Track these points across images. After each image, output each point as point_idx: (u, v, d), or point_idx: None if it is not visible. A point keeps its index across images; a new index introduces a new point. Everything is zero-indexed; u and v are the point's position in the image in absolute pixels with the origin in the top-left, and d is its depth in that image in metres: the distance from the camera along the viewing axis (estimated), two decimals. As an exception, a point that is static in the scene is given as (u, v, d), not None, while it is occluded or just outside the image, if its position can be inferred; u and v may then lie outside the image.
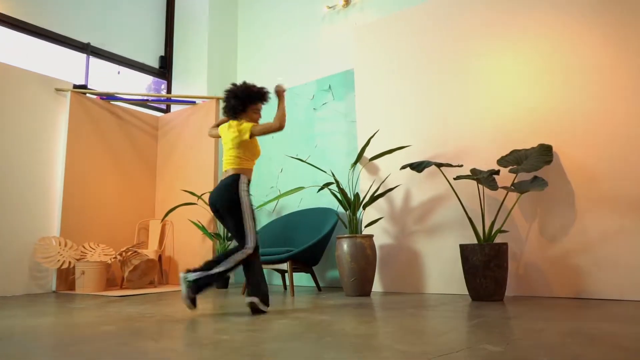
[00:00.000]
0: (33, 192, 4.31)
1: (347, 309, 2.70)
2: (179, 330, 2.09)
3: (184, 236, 4.98)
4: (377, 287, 3.75)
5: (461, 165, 3.17)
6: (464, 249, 3.00)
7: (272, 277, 4.83)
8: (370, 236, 3.50)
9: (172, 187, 5.21)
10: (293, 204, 4.75)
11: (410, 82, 3.81)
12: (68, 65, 4.95)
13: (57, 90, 4.58)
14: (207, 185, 4.85)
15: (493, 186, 3.07)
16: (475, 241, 3.29)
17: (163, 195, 5.28)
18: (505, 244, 2.94)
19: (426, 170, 3.61)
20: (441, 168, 3.28)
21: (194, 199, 4.83)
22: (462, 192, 3.40)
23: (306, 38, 5.06)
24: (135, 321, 2.38)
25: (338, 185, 3.62)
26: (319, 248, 3.78)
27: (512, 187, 2.93)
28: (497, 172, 2.99)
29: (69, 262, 4.21)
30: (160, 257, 4.90)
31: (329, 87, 4.68)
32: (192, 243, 4.88)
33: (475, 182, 3.36)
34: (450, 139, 3.54)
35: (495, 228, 3.15)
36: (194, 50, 5.56)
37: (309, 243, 3.68)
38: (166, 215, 4.56)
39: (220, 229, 4.69)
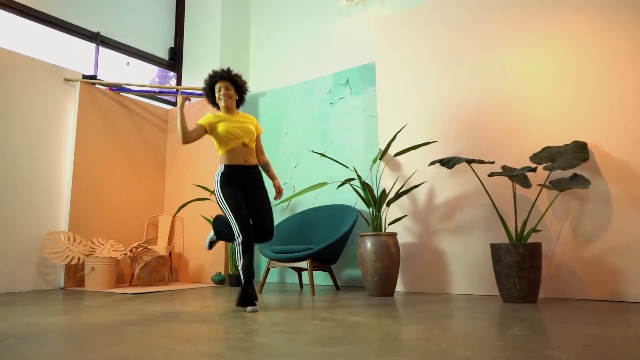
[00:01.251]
0: (41, 185, 4.17)
1: (378, 309, 2.58)
2: (210, 332, 1.97)
3: (194, 232, 4.86)
4: (398, 286, 3.64)
5: (493, 162, 3.06)
6: (496, 248, 2.89)
7: (286, 275, 4.71)
8: (394, 234, 3.39)
9: (182, 182, 5.07)
10: (307, 201, 4.64)
11: (435, 76, 3.70)
12: (77, 55, 4.80)
13: (66, 80, 4.43)
14: (219, 181, 4.72)
15: (526, 184, 2.97)
16: (505, 240, 3.19)
17: (172, 190, 5.15)
18: (539, 244, 2.84)
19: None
20: (471, 165, 3.17)
21: (206, 194, 4.70)
22: (489, 190, 3.30)
23: (323, 31, 4.94)
24: (160, 321, 2.26)
25: (361, 181, 3.51)
26: (339, 246, 3.66)
27: (549, 185, 2.83)
28: (534, 170, 2.88)
29: (78, 258, 4.08)
30: (170, 253, 4.77)
31: (347, 81, 4.56)
32: (202, 239, 4.75)
33: (502, 180, 3.26)
34: (477, 135, 3.43)
35: (528, 227, 3.05)
36: (205, 42, 5.43)
37: (330, 241, 3.57)
38: (178, 210, 4.42)
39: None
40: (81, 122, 4.44)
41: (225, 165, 2.69)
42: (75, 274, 4.25)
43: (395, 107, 3.88)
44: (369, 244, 3.33)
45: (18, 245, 3.94)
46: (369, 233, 3.36)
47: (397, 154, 3.47)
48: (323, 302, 2.95)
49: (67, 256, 4.03)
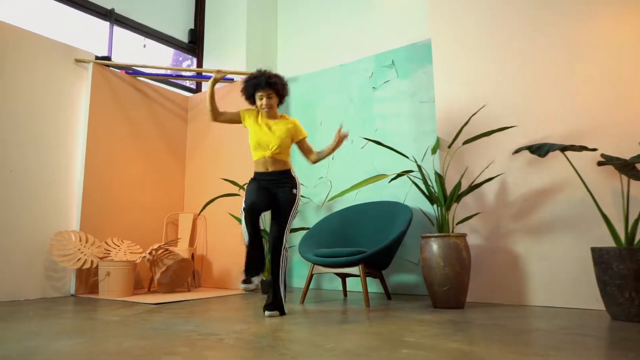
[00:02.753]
0: (48, 178, 3.68)
1: (464, 328, 2.06)
2: (278, 367, 1.46)
3: (219, 232, 4.36)
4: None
5: (595, 149, 2.53)
6: (603, 253, 2.36)
7: (323, 281, 4.20)
8: (464, 235, 2.87)
9: (204, 176, 4.57)
10: (347, 198, 4.12)
11: (507, 50, 3.17)
12: (89, 35, 4.31)
13: (78, 61, 3.94)
14: (248, 175, 4.21)
15: (637, 175, 2.44)
16: (604, 243, 2.65)
17: (194, 185, 4.65)
18: (658, 249, 2.31)
19: (526, 157, 2.98)
20: (565, 152, 2.64)
21: (234, 189, 4.20)
22: (577, 183, 2.77)
23: (362, 7, 4.42)
24: (200, 346, 1.76)
25: (422, 173, 2.99)
26: (393, 249, 3.15)
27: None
28: (654, 157, 2.35)
29: (92, 261, 3.59)
30: (192, 256, 4.27)
31: (392, 62, 4.04)
32: (228, 240, 4.25)
33: (593, 171, 2.72)
34: (563, 120, 2.90)
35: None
36: (229, 23, 4.92)
37: (385, 242, 3.05)
38: (204, 207, 3.93)
39: (266, 224, 4.06)
40: (94, 109, 3.95)
41: (254, 172, 2.79)
42: (87, 279, 3.76)
43: (457, 90, 3.35)
44: (435, 246, 2.81)
45: (23, 247, 3.45)
46: (434, 234, 2.84)
47: (467, 141, 2.94)
48: (388, 318, 2.43)
49: (79, 259, 3.54)
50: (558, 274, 2.81)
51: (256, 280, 2.49)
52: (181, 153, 4.73)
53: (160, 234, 4.39)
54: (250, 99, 2.77)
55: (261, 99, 2.69)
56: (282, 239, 2.63)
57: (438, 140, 3.31)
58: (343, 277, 3.57)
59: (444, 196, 2.87)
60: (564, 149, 2.46)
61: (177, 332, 2.05)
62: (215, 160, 4.52)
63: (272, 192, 2.69)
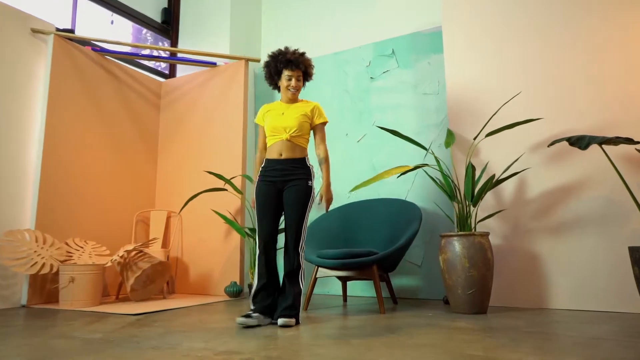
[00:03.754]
0: (-1, 167, 3.11)
1: (508, 336, 1.81)
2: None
3: (196, 231, 3.91)
4: (479, 300, 2.90)
5: (638, 142, 2.38)
6: (647, 252, 2.21)
7: (316, 284, 3.85)
8: (487, 234, 2.65)
9: (179, 170, 4.11)
10: (342, 194, 3.82)
11: (526, 40, 3.00)
12: (49, 3, 3.74)
13: (35, 31, 3.38)
14: (234, 167, 3.82)
15: (676, 170, 2.31)
16: (636, 242, 2.52)
17: (167, 179, 4.17)
18: (702, 247, 2.18)
19: (546, 152, 2.82)
20: (602, 145, 2.47)
21: (216, 183, 3.78)
22: (600, 179, 2.64)
23: (356, -7, 4.16)
24: (235, 371, 1.38)
25: (440, 166, 2.75)
26: (404, 250, 2.88)
27: None
28: None
29: (51, 265, 3.05)
30: (167, 258, 3.79)
31: (392, 51, 3.79)
32: (207, 240, 3.82)
33: (621, 166, 2.60)
34: (591, 111, 2.76)
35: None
36: (209, 2, 4.49)
37: (401, 241, 2.78)
38: (186, 203, 3.49)
39: (252, 221, 3.69)
40: (54, 89, 3.40)
41: (265, 159, 2.49)
42: (43, 286, 3.20)
43: (470, 81, 3.15)
44: (458, 246, 2.57)
45: (-35, 247, 2.86)
46: (457, 233, 2.60)
47: (490, 134, 2.72)
48: (423, 327, 2.15)
49: (35, 263, 2.99)
50: (581, 276, 2.65)
51: (261, 321, 2.24)
52: (153, 143, 4.23)
53: (129, 234, 3.88)
54: (275, 77, 2.48)
55: (290, 79, 2.44)
56: (299, 247, 2.35)
57: (451, 133, 3.08)
58: (345, 280, 3.26)
59: (472, 191, 2.64)
60: (605, 141, 2.29)
61: (188, 352, 1.65)
62: (193, 152, 4.07)
63: (281, 188, 2.41)
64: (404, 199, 3.50)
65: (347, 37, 4.14)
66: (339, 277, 2.93)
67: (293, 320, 2.21)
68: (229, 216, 3.72)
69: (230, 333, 2.02)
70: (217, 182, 3.82)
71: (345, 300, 3.29)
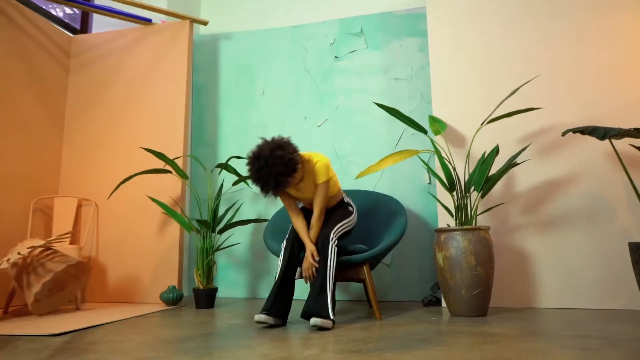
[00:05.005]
0: None
1: (538, 342, 1.58)
2: None
3: (118, 224, 3.13)
4: (465, 301, 2.68)
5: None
6: (654, 248, 2.16)
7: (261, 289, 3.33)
8: (488, 229, 2.43)
9: (94, 147, 3.28)
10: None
11: (518, 24, 2.88)
12: None
13: None
14: (174, 148, 3.13)
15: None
16: (627, 238, 2.50)
17: (77, 158, 3.29)
18: (698, 243, 2.20)
19: (534, 145, 2.72)
20: (612, 139, 2.39)
21: (150, 163, 3.07)
22: (588, 174, 2.61)
23: (317, -36, 3.75)
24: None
25: (438, 154, 2.48)
26: (394, 245, 2.54)
27: None
28: None
29: None
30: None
31: (361, 30, 3.46)
32: (134, 235, 3.07)
33: (610, 162, 2.59)
34: (590, 101, 2.71)
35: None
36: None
37: (393, 237, 2.43)
38: (117, 187, 2.73)
39: (200, 213, 3.08)
40: None
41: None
42: None
43: (457, 66, 2.94)
44: (463, 242, 2.31)
45: None
46: (460, 227, 2.34)
47: (492, 120, 2.51)
48: (439, 335, 1.81)
49: None
50: (572, 273, 2.57)
51: (275, 321, 2.06)
52: (58, 112, 3.32)
53: (22, 227, 2.96)
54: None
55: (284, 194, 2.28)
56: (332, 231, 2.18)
57: (436, 119, 2.83)
58: (316, 282, 2.81)
59: (486, 180, 2.39)
60: (623, 133, 2.19)
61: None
62: (114, 127, 3.27)
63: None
64: (370, 190, 3.17)
65: (308, 9, 3.72)
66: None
67: (329, 323, 1.97)
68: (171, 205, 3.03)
69: (211, 352, 1.47)
70: (146, 164, 3.11)
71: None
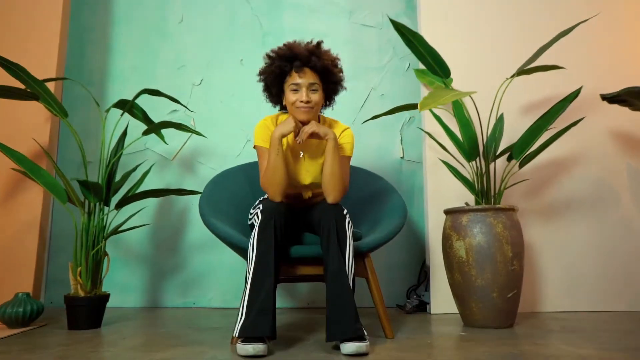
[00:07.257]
0: None
1: None
2: None
3: None
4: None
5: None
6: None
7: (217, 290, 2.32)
8: (516, 210, 1.85)
9: None
10: (225, 154, 2.46)
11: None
12: None
13: None
14: (43, 66, 1.95)
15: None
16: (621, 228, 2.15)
17: None
18: None
19: (532, 119, 2.26)
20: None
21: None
22: (589, 157, 2.24)
23: None
24: None
25: (460, 113, 1.83)
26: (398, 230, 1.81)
27: None
28: None
29: None
30: None
31: (320, -43, 2.68)
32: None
33: (611, 145, 2.24)
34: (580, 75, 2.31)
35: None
36: None
37: (391, 227, 1.68)
38: None
39: (87, 174, 1.95)
40: None
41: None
42: None
43: (453, 28, 2.34)
44: (497, 226, 1.68)
45: None
46: (489, 207, 1.71)
47: (522, 72, 1.93)
48: (495, 357, 1.15)
49: None
50: (571, 270, 2.15)
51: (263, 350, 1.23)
52: None
53: None
54: (276, 81, 1.55)
55: (295, 91, 1.51)
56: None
57: (425, 71, 2.19)
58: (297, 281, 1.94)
59: (524, 146, 1.78)
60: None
61: None
62: None
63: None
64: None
65: None
66: (290, 280, 1.64)
67: (364, 346, 1.26)
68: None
69: None
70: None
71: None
